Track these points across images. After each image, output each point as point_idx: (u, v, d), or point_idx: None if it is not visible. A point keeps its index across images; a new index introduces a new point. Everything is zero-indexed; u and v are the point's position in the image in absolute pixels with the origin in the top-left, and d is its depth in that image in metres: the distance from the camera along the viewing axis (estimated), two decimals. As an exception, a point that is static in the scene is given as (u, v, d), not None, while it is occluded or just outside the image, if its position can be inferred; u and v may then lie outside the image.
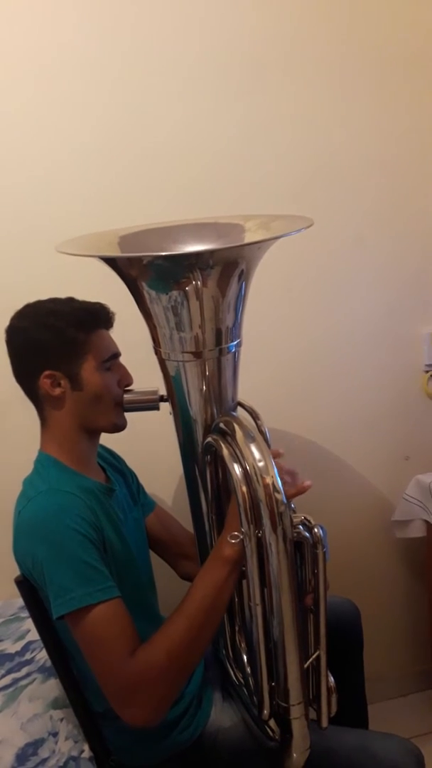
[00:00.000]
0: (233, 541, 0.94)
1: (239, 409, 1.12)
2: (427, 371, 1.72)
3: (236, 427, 0.96)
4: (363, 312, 1.66)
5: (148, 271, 0.97)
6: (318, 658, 1.00)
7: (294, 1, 1.49)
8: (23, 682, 1.23)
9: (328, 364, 1.66)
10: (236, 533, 0.94)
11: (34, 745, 1.12)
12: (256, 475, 0.90)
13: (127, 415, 1.15)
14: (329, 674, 1.02)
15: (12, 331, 1.11)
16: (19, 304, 1.12)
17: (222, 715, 1.16)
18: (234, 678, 1.14)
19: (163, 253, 1.00)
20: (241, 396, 1.12)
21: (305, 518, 0.98)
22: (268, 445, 0.99)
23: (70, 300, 1.13)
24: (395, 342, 1.69)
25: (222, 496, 1.08)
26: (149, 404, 1.14)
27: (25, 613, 1.23)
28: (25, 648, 1.29)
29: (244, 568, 0.95)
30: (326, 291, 1.63)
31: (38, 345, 1.08)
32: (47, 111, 1.40)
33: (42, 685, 1.22)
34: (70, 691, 1.11)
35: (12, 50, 1.37)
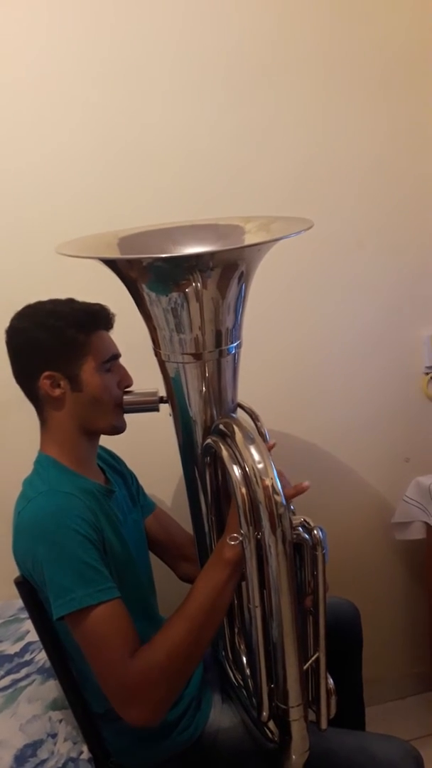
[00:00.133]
0: (233, 542, 0.94)
1: (239, 410, 1.12)
2: (427, 373, 1.72)
3: (236, 428, 0.96)
4: (363, 314, 1.66)
5: (147, 272, 0.97)
6: (317, 659, 1.00)
7: (294, 4, 1.49)
8: (22, 683, 1.23)
9: (328, 366, 1.66)
10: (236, 535, 0.94)
11: (33, 747, 1.12)
12: (255, 476, 0.90)
13: (126, 416, 1.15)
14: (328, 676, 1.02)
15: (12, 332, 1.11)
16: (19, 305, 1.12)
17: (221, 717, 1.16)
18: (233, 679, 1.14)
19: (163, 255, 1.01)
20: (241, 397, 1.12)
21: (305, 520, 0.98)
22: (268, 447, 0.99)
23: (70, 301, 1.13)
24: (395, 344, 1.69)
25: (221, 498, 1.08)
26: (149, 405, 1.14)
27: (25, 614, 1.23)
28: (25, 649, 1.29)
29: (244, 570, 0.95)
30: (326, 293, 1.63)
31: (38, 346, 1.08)
32: (47, 113, 1.41)
33: (41, 686, 1.22)
34: (70, 692, 1.11)
35: (12, 52, 1.37)
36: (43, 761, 1.10)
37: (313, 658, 1.00)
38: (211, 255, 1.00)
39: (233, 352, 1.03)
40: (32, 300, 1.13)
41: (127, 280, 1.00)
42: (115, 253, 1.11)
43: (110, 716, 1.01)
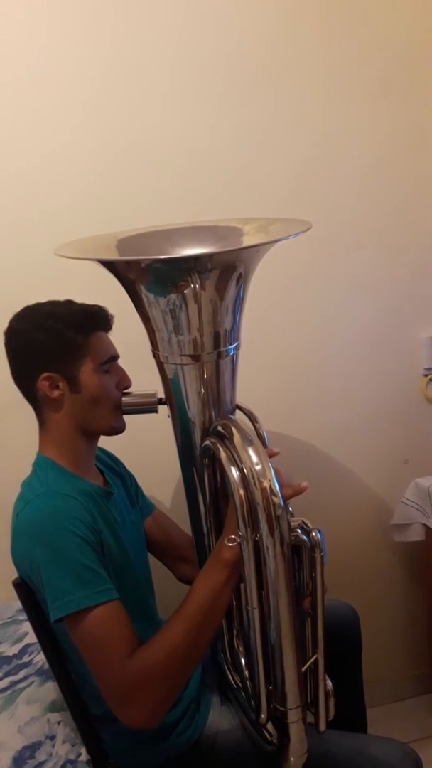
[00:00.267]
0: (231, 544, 0.94)
1: (237, 412, 1.12)
2: (426, 375, 1.72)
3: (234, 430, 0.96)
4: (362, 315, 1.66)
5: (146, 274, 0.97)
6: (316, 661, 1.00)
7: (293, 5, 1.49)
8: (21, 685, 1.22)
9: (327, 368, 1.66)
10: (234, 536, 0.94)
11: (32, 749, 1.11)
12: (253, 478, 0.89)
13: (125, 417, 1.15)
14: (327, 678, 1.02)
15: (10, 334, 1.11)
16: (18, 307, 1.12)
17: (220, 719, 1.16)
18: (232, 681, 1.13)
19: (162, 257, 1.01)
20: (240, 399, 1.12)
21: (303, 522, 0.98)
22: (266, 448, 0.99)
23: (69, 302, 1.13)
24: (394, 345, 1.69)
25: (220, 499, 1.08)
26: (147, 407, 1.14)
27: (23, 616, 1.22)
28: (23, 651, 1.29)
29: (242, 572, 0.95)
30: (325, 294, 1.63)
31: (37, 347, 1.08)
32: (47, 113, 1.41)
33: (39, 688, 1.22)
34: (68, 694, 1.11)
35: (12, 52, 1.37)
36: (42, 763, 1.10)
37: (312, 660, 1.00)
38: (209, 256, 0.99)
39: (232, 353, 1.03)
40: (32, 301, 1.13)
41: (125, 281, 1.00)
42: (113, 255, 1.11)
43: (109, 718, 1.01)
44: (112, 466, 1.29)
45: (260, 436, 1.15)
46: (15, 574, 1.06)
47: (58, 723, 1.17)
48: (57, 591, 0.96)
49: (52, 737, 1.15)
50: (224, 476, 0.96)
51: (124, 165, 1.45)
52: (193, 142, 1.48)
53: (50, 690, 1.21)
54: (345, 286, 1.64)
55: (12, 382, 1.13)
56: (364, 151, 1.59)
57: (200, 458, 1.06)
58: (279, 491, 0.89)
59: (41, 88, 1.39)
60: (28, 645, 1.29)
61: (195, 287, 0.94)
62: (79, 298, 1.14)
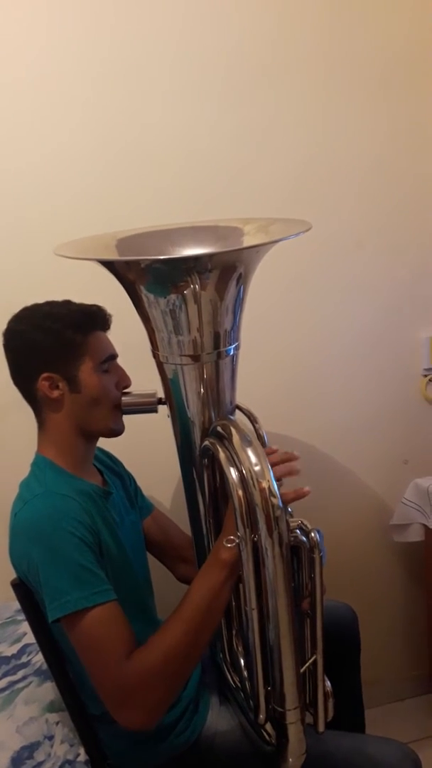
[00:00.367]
0: (229, 545, 0.94)
1: (237, 412, 1.12)
2: (425, 375, 1.72)
3: (233, 430, 0.96)
4: (362, 316, 1.66)
5: (146, 274, 0.97)
6: (315, 662, 1.00)
7: (293, 5, 1.49)
8: (19, 685, 1.22)
9: (327, 368, 1.66)
10: (232, 537, 0.93)
11: (30, 749, 1.11)
12: (252, 479, 0.89)
13: (125, 417, 1.15)
14: (326, 679, 1.02)
15: (9, 335, 1.11)
16: (17, 308, 1.12)
17: (219, 719, 1.16)
18: (231, 682, 1.13)
19: (162, 257, 1.00)
20: (240, 399, 1.12)
21: (302, 522, 0.98)
22: (266, 449, 0.98)
23: (67, 302, 1.13)
24: (394, 345, 1.69)
25: (219, 500, 1.08)
26: (147, 407, 1.14)
27: (22, 616, 1.22)
28: (22, 651, 1.29)
29: (240, 572, 0.95)
30: (325, 294, 1.63)
31: (36, 347, 1.08)
32: (47, 113, 1.40)
33: (38, 688, 1.22)
34: (66, 694, 1.11)
35: (12, 52, 1.37)
36: (40, 763, 1.10)
37: (311, 661, 1.00)
38: (209, 257, 0.99)
39: (232, 353, 1.03)
40: (31, 302, 1.13)
41: (125, 281, 1.00)
42: (113, 255, 1.11)
43: (107, 718, 1.01)
44: (111, 466, 1.29)
45: (260, 437, 1.15)
46: (13, 575, 1.06)
47: (57, 723, 1.17)
48: (55, 591, 0.96)
49: (51, 737, 1.15)
50: (223, 477, 0.96)
51: (124, 165, 1.45)
52: (193, 142, 1.48)
53: (49, 690, 1.21)
54: (345, 286, 1.63)
55: (11, 382, 1.13)
56: (364, 151, 1.59)
57: (200, 458, 1.06)
58: (278, 492, 0.89)
59: (41, 88, 1.39)
60: (26, 645, 1.29)
61: (195, 287, 0.94)
62: (79, 299, 1.14)
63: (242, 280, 0.99)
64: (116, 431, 1.14)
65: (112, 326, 1.16)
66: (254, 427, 1.16)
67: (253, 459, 0.91)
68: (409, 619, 1.83)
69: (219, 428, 1.00)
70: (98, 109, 1.43)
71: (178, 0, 1.43)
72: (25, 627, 1.28)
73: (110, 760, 1.15)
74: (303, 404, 1.65)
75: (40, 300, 1.13)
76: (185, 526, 1.21)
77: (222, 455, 0.95)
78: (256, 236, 1.09)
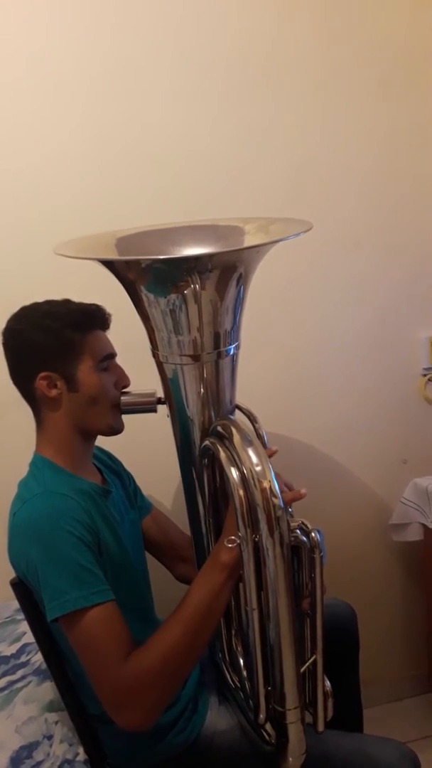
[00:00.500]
0: (230, 545, 0.94)
1: (237, 412, 1.12)
2: (424, 375, 1.72)
3: (234, 430, 0.96)
4: (361, 316, 1.66)
5: (146, 274, 0.97)
6: (314, 662, 1.00)
7: (293, 5, 1.49)
8: (18, 685, 1.22)
9: (327, 368, 1.66)
10: (233, 537, 0.93)
11: (29, 748, 1.11)
12: (253, 479, 0.89)
13: (124, 417, 1.14)
14: (326, 678, 1.02)
15: (8, 334, 1.11)
16: (16, 307, 1.12)
17: (218, 719, 1.16)
18: (230, 681, 1.13)
19: (162, 257, 1.00)
20: (239, 399, 1.12)
21: (302, 522, 0.98)
22: (266, 448, 0.98)
23: (66, 302, 1.13)
24: (393, 346, 1.69)
25: (219, 500, 1.07)
26: (146, 406, 1.14)
27: (21, 616, 1.22)
28: (21, 650, 1.28)
29: (241, 572, 0.95)
30: (324, 294, 1.63)
31: (34, 346, 1.08)
32: (47, 113, 1.40)
33: (37, 687, 1.22)
34: (65, 694, 1.11)
35: (11, 52, 1.37)
36: (39, 763, 1.10)
37: (311, 661, 1.00)
38: (209, 256, 0.99)
39: (232, 353, 1.03)
40: (31, 301, 1.13)
41: (125, 281, 1.00)
42: (113, 254, 1.10)
43: (106, 718, 1.01)
44: (110, 465, 1.29)
45: (260, 437, 1.15)
46: (12, 574, 1.06)
47: (56, 723, 1.17)
48: (53, 591, 0.96)
49: (50, 737, 1.15)
50: (224, 476, 0.95)
51: (124, 165, 1.45)
52: (192, 142, 1.48)
53: (48, 690, 1.21)
54: (343, 286, 1.63)
55: (9, 381, 1.12)
56: (363, 151, 1.59)
57: (199, 458, 1.06)
58: (279, 492, 0.89)
59: (41, 87, 1.39)
60: (26, 645, 1.29)
61: (195, 287, 0.94)
62: (79, 298, 1.14)
63: (242, 280, 0.99)
64: (116, 429, 1.14)
65: (112, 326, 1.16)
66: (254, 426, 1.16)
67: (254, 459, 0.90)
68: (407, 619, 1.83)
69: (219, 428, 1.00)
70: (98, 109, 1.43)
71: (178, 5, 1.42)
72: (25, 626, 1.28)
73: (109, 760, 1.15)
74: (302, 404, 1.65)
75: (40, 299, 1.13)
76: (184, 526, 1.21)
77: (223, 455, 0.95)
78: (257, 236, 1.09)
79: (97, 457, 1.24)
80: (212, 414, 1.04)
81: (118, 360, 1.16)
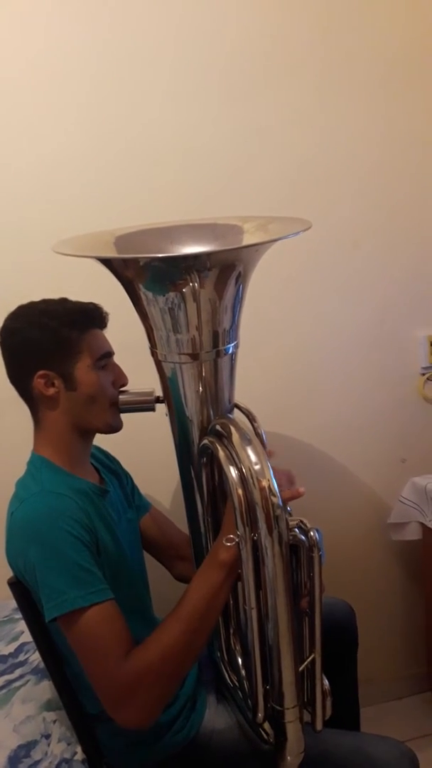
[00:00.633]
0: (229, 544, 0.94)
1: (236, 411, 1.12)
2: (423, 374, 1.72)
3: (232, 429, 0.96)
4: (359, 315, 1.66)
5: (144, 272, 0.96)
6: (313, 661, 1.00)
7: (291, 5, 1.48)
8: (16, 684, 1.22)
9: (325, 367, 1.66)
10: (232, 536, 0.93)
11: (27, 747, 1.11)
12: (252, 478, 0.89)
13: (122, 416, 1.14)
14: (324, 677, 1.02)
15: (5, 333, 1.10)
16: (13, 305, 1.12)
17: (216, 717, 1.16)
18: (228, 680, 1.13)
19: (160, 255, 1.00)
20: (238, 398, 1.12)
21: (301, 521, 0.98)
22: (264, 447, 0.98)
23: (63, 300, 1.13)
24: (391, 345, 1.69)
25: (218, 499, 1.07)
26: (145, 405, 1.13)
27: (19, 615, 1.22)
28: (19, 650, 1.28)
29: (239, 571, 0.95)
30: (323, 293, 1.63)
31: (31, 345, 1.08)
32: (45, 112, 1.40)
33: (35, 686, 1.22)
34: (63, 693, 1.11)
35: (9, 51, 1.37)
36: (37, 762, 1.09)
37: (309, 660, 1.00)
38: (208, 255, 0.99)
39: (230, 352, 1.03)
40: (28, 299, 1.12)
41: (123, 279, 0.99)
42: (111, 252, 1.10)
43: (104, 717, 1.01)
44: (108, 464, 1.29)
45: (258, 436, 1.14)
46: (10, 573, 1.06)
47: (54, 722, 1.17)
48: (52, 591, 0.95)
49: (48, 736, 1.14)
50: (222, 475, 0.95)
51: (123, 163, 1.45)
52: (191, 141, 1.48)
53: (46, 689, 1.21)
54: (342, 285, 1.63)
55: (7, 381, 1.12)
56: (362, 151, 1.58)
57: (198, 457, 1.05)
58: (278, 491, 0.89)
59: (39, 86, 1.39)
60: (24, 644, 1.29)
61: (194, 285, 0.94)
62: (77, 296, 1.14)
63: (241, 279, 0.98)
64: (114, 427, 1.14)
65: (111, 325, 1.16)
66: (253, 425, 1.16)
67: (253, 458, 0.90)
68: (406, 618, 1.83)
69: (218, 427, 1.00)
70: (97, 107, 1.42)
71: (177, 4, 1.42)
72: (23, 625, 1.28)
73: (107, 759, 1.15)
74: (301, 403, 1.65)
75: (37, 298, 1.13)
76: (183, 525, 1.21)
77: (221, 454, 0.94)
78: (256, 234, 1.09)
79: (94, 457, 1.23)
80: (211, 413, 1.04)
81: (117, 359, 1.16)
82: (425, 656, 1.79)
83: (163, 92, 1.45)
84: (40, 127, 1.40)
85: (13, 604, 1.12)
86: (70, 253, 0.97)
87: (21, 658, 1.27)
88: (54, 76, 1.39)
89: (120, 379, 1.15)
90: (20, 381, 1.11)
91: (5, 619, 1.35)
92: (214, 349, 1.00)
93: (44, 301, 1.12)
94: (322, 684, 1.01)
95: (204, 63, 1.46)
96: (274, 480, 0.89)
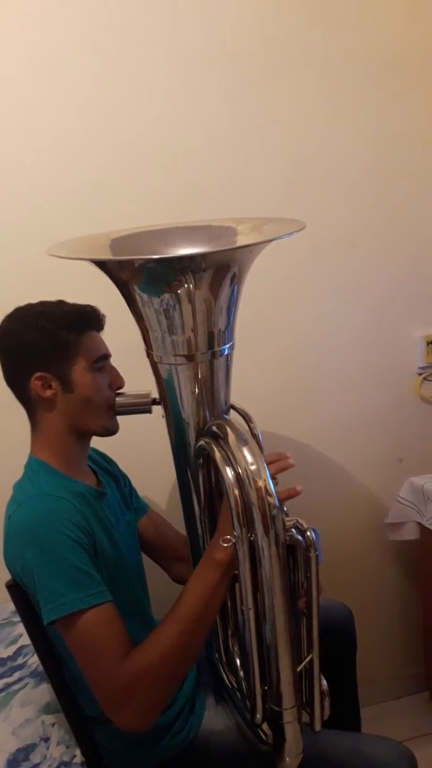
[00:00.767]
0: (225, 544, 0.94)
1: (232, 412, 1.12)
2: (420, 374, 1.73)
3: (228, 430, 0.96)
4: (356, 315, 1.66)
5: (139, 274, 0.97)
6: (311, 661, 1.00)
7: (290, 4, 1.49)
8: (15, 687, 1.22)
9: (322, 367, 1.66)
10: (228, 537, 0.93)
11: (26, 751, 1.11)
12: (248, 478, 0.89)
13: (119, 418, 1.14)
14: (322, 678, 1.02)
15: (2, 334, 1.10)
16: (10, 308, 1.12)
17: (215, 719, 1.16)
18: (227, 682, 1.13)
19: (155, 257, 1.00)
20: (234, 399, 1.12)
21: (298, 521, 0.98)
22: (261, 449, 0.98)
23: (60, 302, 1.13)
24: (388, 345, 1.70)
25: (215, 500, 1.07)
26: (141, 407, 1.14)
27: (17, 618, 1.22)
28: (18, 653, 1.28)
29: (236, 572, 0.95)
30: (319, 294, 1.63)
31: (28, 347, 1.08)
32: (41, 112, 1.40)
33: (34, 689, 1.22)
34: (62, 696, 1.11)
35: (5, 51, 1.37)
36: (36, 765, 1.09)
37: (307, 660, 1.00)
38: (203, 256, 0.99)
39: (226, 353, 1.03)
40: (25, 301, 1.12)
41: (119, 281, 1.00)
42: (107, 255, 1.10)
43: (103, 720, 1.01)
44: (105, 467, 1.29)
45: (254, 436, 1.14)
46: (8, 576, 1.06)
47: (53, 725, 1.17)
48: (50, 594, 0.95)
49: (47, 739, 1.14)
50: (219, 476, 0.95)
51: (118, 165, 1.45)
52: (186, 142, 1.48)
53: (45, 692, 1.21)
54: (338, 285, 1.64)
55: (4, 383, 1.12)
56: (358, 151, 1.59)
57: (194, 458, 1.06)
58: (274, 491, 0.89)
59: (35, 87, 1.39)
60: (22, 647, 1.29)
61: (189, 287, 0.94)
62: (73, 299, 1.14)
63: (236, 280, 0.99)
64: (110, 429, 1.14)
65: (107, 327, 1.16)
66: (249, 426, 1.16)
67: (249, 458, 0.90)
68: (403, 618, 1.83)
69: (214, 428, 1.00)
70: (93, 108, 1.43)
71: (174, 1, 1.42)
72: (21, 629, 1.28)
73: (106, 761, 1.15)
74: (298, 404, 1.65)
75: (34, 300, 1.13)
76: (180, 527, 1.21)
77: (218, 455, 0.95)
78: (250, 236, 1.09)
79: (92, 459, 1.23)
80: (207, 414, 1.04)
81: (113, 361, 1.16)
82: (423, 656, 1.79)
83: (158, 93, 1.45)
84: (37, 129, 1.40)
85: (12, 607, 1.12)
86: (65, 256, 0.97)
87: (19, 661, 1.27)
88: (49, 76, 1.39)
89: (117, 382, 1.15)
90: (17, 383, 1.11)
91: (3, 622, 1.35)
92: (210, 351, 1.00)
93: (41, 303, 1.12)
94: (321, 684, 1.01)
95: (200, 63, 1.46)
96: (270, 480, 0.89)
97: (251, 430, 1.15)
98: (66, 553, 0.96)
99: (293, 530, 0.97)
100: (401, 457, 1.75)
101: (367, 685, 1.54)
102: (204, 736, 1.14)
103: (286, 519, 0.97)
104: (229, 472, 0.92)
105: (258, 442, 1.13)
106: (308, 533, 0.96)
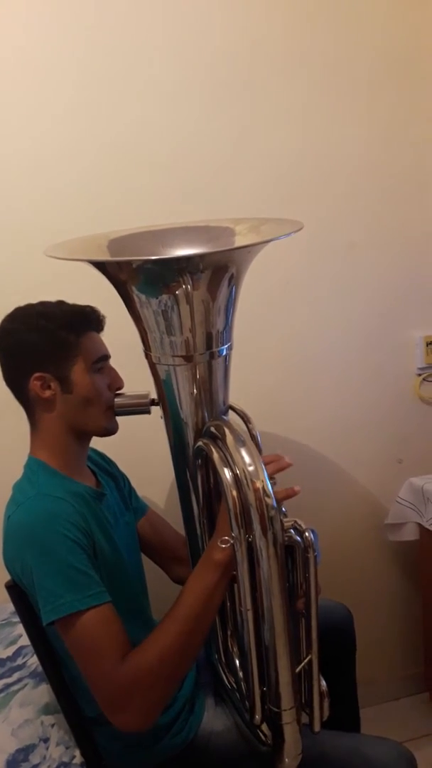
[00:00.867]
0: (223, 545, 0.94)
1: (230, 413, 1.12)
2: (419, 375, 1.73)
3: (226, 431, 0.96)
4: (356, 316, 1.66)
5: (137, 275, 0.97)
6: (310, 662, 1.00)
7: (289, 4, 1.49)
8: (14, 688, 1.22)
9: (321, 368, 1.66)
10: (226, 538, 0.93)
11: (25, 751, 1.11)
12: (246, 479, 0.89)
13: (118, 418, 1.14)
14: (321, 678, 1.02)
15: (2, 334, 1.10)
16: (10, 308, 1.12)
17: (214, 720, 1.16)
18: (226, 682, 1.13)
19: (153, 257, 1.00)
20: (232, 399, 1.12)
21: (296, 522, 0.98)
22: (259, 449, 0.99)
23: (60, 303, 1.13)
24: (388, 346, 1.70)
25: (213, 500, 1.08)
26: (140, 408, 1.14)
27: (17, 618, 1.22)
28: (17, 653, 1.28)
29: (235, 573, 0.95)
30: (318, 294, 1.63)
31: (28, 347, 1.08)
32: (39, 113, 1.40)
33: (33, 690, 1.22)
34: (61, 696, 1.11)
35: (3, 50, 1.37)
36: (35, 766, 1.09)
37: (306, 661, 1.00)
38: (201, 257, 0.99)
39: (224, 353, 1.03)
40: (25, 302, 1.13)
41: (117, 282, 1.00)
42: (105, 256, 1.11)
43: (103, 720, 1.01)
44: (104, 467, 1.29)
45: (253, 437, 1.15)
46: (7, 577, 1.06)
47: (52, 726, 1.17)
48: (48, 594, 0.95)
49: (46, 740, 1.14)
50: (217, 477, 0.95)
51: (115, 165, 1.45)
52: (183, 142, 1.48)
53: (44, 693, 1.21)
54: (337, 286, 1.64)
55: (3, 383, 1.12)
56: (357, 151, 1.59)
57: (193, 459, 1.06)
58: (272, 492, 0.89)
59: (28, 86, 1.39)
60: (21, 647, 1.29)
61: (187, 288, 0.94)
62: (72, 300, 1.14)
63: (234, 280, 0.99)
64: (110, 430, 1.14)
65: (106, 327, 1.16)
66: (247, 427, 1.16)
67: (247, 459, 0.91)
68: (403, 618, 1.83)
69: (212, 429, 1.00)
70: (91, 111, 1.43)
71: (174, 2, 1.42)
72: (20, 629, 1.28)
73: (105, 762, 1.15)
74: (297, 404, 1.65)
75: (33, 300, 1.13)
76: (179, 527, 1.21)
77: (216, 456, 0.95)
78: (248, 236, 1.09)
79: (91, 459, 1.23)
80: (205, 415, 1.04)
81: (111, 362, 1.16)
82: (422, 657, 1.79)
83: (155, 93, 1.45)
84: (32, 130, 1.40)
85: (11, 607, 1.12)
86: (63, 257, 0.98)
87: (19, 661, 1.27)
88: (41, 75, 1.39)
89: (116, 383, 1.15)
90: (16, 383, 1.11)
91: (3, 622, 1.35)
92: (208, 351, 1.01)
93: (41, 304, 1.12)
94: (320, 685, 1.01)
95: (196, 62, 1.46)
96: (268, 481, 0.89)
97: (250, 430, 1.16)
98: (65, 554, 0.97)
99: (291, 531, 0.97)
100: (401, 458, 1.75)
101: (367, 685, 1.54)
102: (203, 737, 1.14)
103: (285, 520, 0.97)
104: (227, 473, 0.92)
105: (256, 443, 1.13)
106: (306, 534, 0.97)
